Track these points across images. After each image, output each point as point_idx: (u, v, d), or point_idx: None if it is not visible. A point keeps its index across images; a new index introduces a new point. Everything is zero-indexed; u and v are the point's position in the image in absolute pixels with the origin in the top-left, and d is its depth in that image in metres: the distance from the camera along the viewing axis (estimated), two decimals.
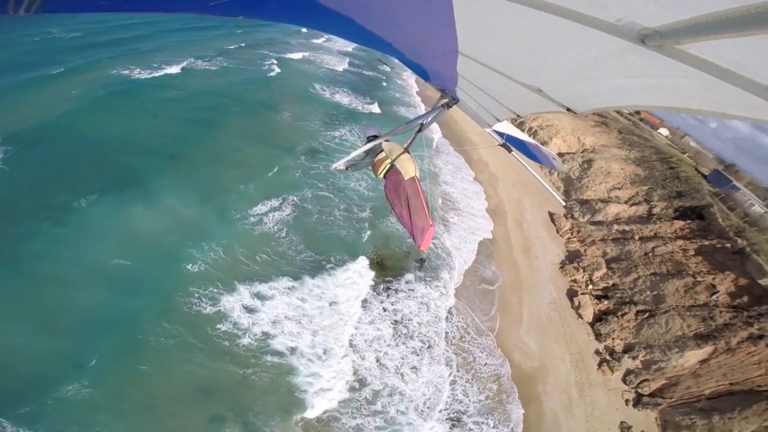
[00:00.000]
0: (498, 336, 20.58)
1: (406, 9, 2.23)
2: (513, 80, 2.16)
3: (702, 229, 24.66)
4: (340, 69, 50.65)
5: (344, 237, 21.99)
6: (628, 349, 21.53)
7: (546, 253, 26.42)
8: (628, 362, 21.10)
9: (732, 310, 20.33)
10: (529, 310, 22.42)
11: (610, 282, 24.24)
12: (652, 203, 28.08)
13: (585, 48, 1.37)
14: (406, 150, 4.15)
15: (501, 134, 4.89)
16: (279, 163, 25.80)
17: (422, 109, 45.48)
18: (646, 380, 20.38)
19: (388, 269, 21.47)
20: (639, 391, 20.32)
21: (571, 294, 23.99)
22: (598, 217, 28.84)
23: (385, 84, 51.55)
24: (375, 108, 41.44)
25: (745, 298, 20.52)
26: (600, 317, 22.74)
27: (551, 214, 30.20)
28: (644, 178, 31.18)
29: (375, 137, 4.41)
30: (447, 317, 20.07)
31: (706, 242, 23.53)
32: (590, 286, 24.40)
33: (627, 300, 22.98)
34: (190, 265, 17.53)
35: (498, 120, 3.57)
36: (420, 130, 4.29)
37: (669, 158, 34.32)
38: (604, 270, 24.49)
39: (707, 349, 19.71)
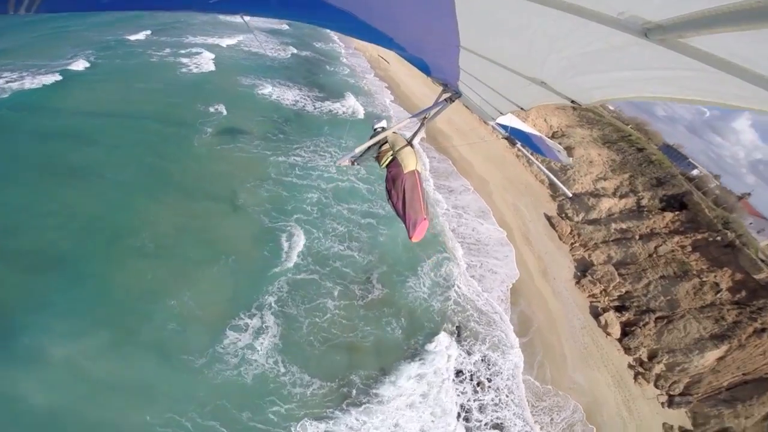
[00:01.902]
0: (554, 385, 19.30)
1: (406, 3, 2.20)
2: (516, 73, 2.14)
3: (690, 220, 25.84)
4: (287, 55, 40.37)
5: (356, 343, 16.28)
6: (652, 356, 22.33)
7: (559, 269, 25.40)
8: (656, 368, 21.98)
9: (736, 307, 21.94)
10: (568, 345, 21.45)
11: (623, 290, 24.44)
12: (639, 194, 28.59)
13: (588, 42, 1.36)
14: (409, 143, 4.12)
15: (504, 127, 4.73)
16: (231, 241, 17.73)
17: (387, 95, 39.27)
18: (675, 382, 21.52)
19: (422, 352, 17.51)
20: (670, 392, 21.50)
21: (595, 312, 23.66)
22: (593, 215, 28.59)
23: (347, 71, 42.89)
24: (354, 107, 33.87)
25: (744, 293, 22.21)
26: (625, 332, 22.96)
27: (549, 218, 29.10)
28: (621, 163, 31.56)
29: (380, 130, 4.33)
30: (512, 392, 17.67)
31: (699, 236, 24.74)
32: (607, 298, 24.32)
33: (644, 308, 23.46)
34: None
35: (501, 113, 3.49)
36: (423, 124, 4.33)
37: (629, 136, 35.30)
38: (618, 280, 24.47)
39: (723, 348, 21.24)
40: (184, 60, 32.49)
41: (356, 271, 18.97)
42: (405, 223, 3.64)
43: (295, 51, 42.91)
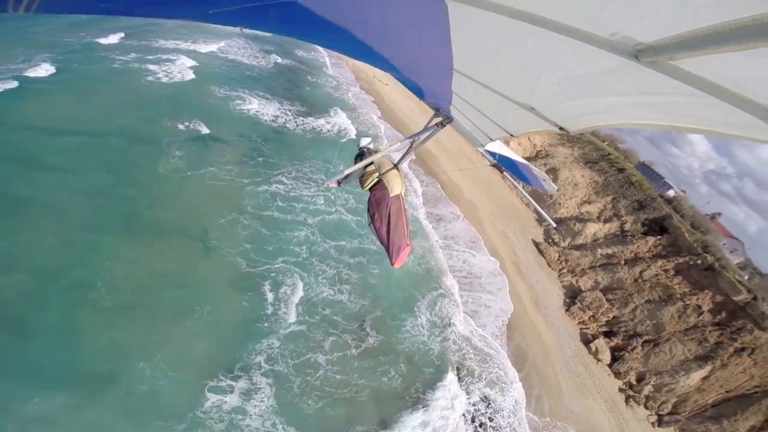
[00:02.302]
0: (552, 416, 19.04)
1: (403, 25, 2.24)
2: (506, 98, 2.18)
3: (671, 244, 26.69)
4: (268, 65, 38.29)
5: (354, 397, 15.17)
6: (640, 379, 22.82)
7: (550, 297, 25.42)
8: (645, 390, 22.35)
9: (717, 328, 22.76)
10: (563, 374, 21.45)
11: (611, 315, 24.80)
12: (622, 218, 29.29)
13: (578, 64, 1.36)
14: (396, 166, 4.09)
15: (493, 154, 4.71)
16: (206, 290, 15.78)
17: (374, 110, 38.24)
18: (663, 402, 22.04)
19: (424, 399, 16.54)
20: (659, 412, 22.08)
21: (585, 339, 23.87)
22: (579, 240, 28.96)
23: (333, 83, 41.08)
24: (341, 125, 32.05)
25: (724, 314, 23.08)
26: (615, 356, 23.21)
27: (536, 244, 29.18)
28: (603, 185, 32.29)
29: (366, 151, 4.37)
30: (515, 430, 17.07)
31: (680, 260, 25.56)
32: (596, 324, 24.52)
33: (632, 333, 23.89)
34: None
35: (491, 139, 3.56)
36: (411, 148, 4.34)
37: (608, 155, 36.39)
38: (606, 306, 24.76)
39: (707, 368, 21.94)
40: (158, 68, 29.97)
41: (346, 319, 17.69)
42: (387, 248, 3.57)
43: (278, 60, 41.01)
